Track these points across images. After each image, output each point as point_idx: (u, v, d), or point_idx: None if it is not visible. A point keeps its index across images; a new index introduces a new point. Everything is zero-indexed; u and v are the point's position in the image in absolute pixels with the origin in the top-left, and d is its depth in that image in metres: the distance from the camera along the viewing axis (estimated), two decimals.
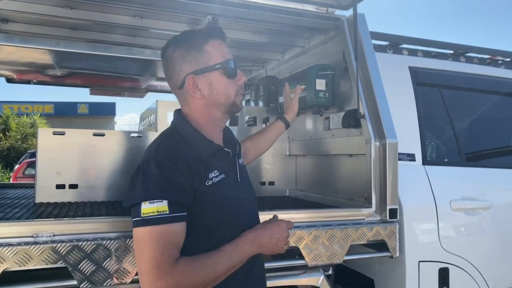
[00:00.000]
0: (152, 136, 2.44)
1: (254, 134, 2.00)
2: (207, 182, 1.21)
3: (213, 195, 1.22)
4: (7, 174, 13.22)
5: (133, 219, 1.14)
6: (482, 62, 2.89)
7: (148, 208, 1.11)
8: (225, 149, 1.33)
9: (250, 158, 1.88)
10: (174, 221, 1.12)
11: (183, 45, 1.28)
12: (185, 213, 1.16)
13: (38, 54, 2.13)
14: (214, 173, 1.24)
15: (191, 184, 1.17)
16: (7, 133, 15.97)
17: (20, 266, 1.38)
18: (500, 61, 3.00)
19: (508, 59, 3.03)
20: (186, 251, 1.15)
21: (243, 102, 2.22)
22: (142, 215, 1.11)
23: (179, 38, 1.32)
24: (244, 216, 1.32)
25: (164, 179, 1.14)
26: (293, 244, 1.76)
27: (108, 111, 20.04)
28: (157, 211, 1.11)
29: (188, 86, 1.27)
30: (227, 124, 1.48)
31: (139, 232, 1.12)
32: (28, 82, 3.04)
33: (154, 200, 1.11)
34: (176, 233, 1.13)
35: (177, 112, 1.34)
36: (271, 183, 2.79)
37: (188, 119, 1.31)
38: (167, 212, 1.11)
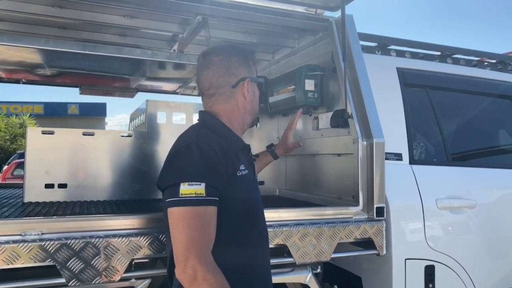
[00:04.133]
0: (142, 136, 2.45)
1: None
2: (239, 173, 1.31)
3: (243, 185, 1.32)
4: None
5: (170, 199, 1.20)
6: (468, 63, 2.94)
7: (186, 189, 1.18)
8: (250, 147, 1.44)
9: None
10: (209, 204, 1.20)
11: (237, 54, 1.43)
12: (218, 198, 1.23)
13: (27, 53, 2.11)
14: (242, 167, 1.33)
15: (226, 171, 1.26)
16: None
17: (8, 264, 1.38)
18: (486, 63, 3.06)
19: (494, 61, 3.09)
20: (223, 237, 1.23)
21: None
22: (181, 195, 1.18)
23: (228, 47, 1.48)
24: (260, 211, 1.42)
25: (204, 163, 1.22)
26: (281, 242, 1.78)
27: (99, 111, 19.90)
28: (195, 193, 1.18)
29: (243, 87, 1.41)
30: None
31: (177, 212, 1.18)
32: (17, 81, 3.01)
33: (193, 182, 1.19)
34: (211, 215, 1.20)
35: (206, 112, 1.43)
36: (261, 183, 2.80)
37: (219, 118, 1.40)
38: (204, 195, 1.18)
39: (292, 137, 2.16)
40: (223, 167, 1.25)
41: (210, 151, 1.24)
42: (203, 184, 1.19)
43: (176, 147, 1.30)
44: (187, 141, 1.28)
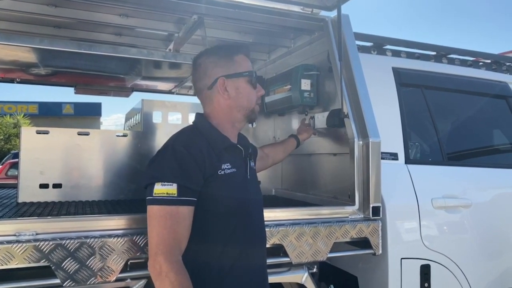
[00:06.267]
0: (138, 136, 2.44)
1: (274, 143, 2.33)
2: (220, 172, 1.34)
3: (225, 184, 1.34)
4: None
5: (147, 197, 1.28)
6: (463, 63, 2.95)
7: (159, 189, 1.25)
8: (239, 146, 1.45)
9: (269, 163, 2.13)
10: (181, 203, 1.25)
11: (216, 53, 1.46)
12: (194, 198, 1.29)
13: (22, 52, 2.09)
14: (227, 165, 1.36)
15: (204, 171, 1.30)
16: None
17: (2, 265, 1.37)
18: (481, 63, 3.08)
19: (489, 61, 3.11)
20: (195, 233, 1.28)
21: None
22: (154, 195, 1.26)
23: (212, 48, 1.51)
24: (252, 209, 1.43)
25: (177, 165, 1.27)
26: (278, 242, 1.78)
27: (94, 111, 19.81)
28: (167, 193, 1.25)
29: (219, 86, 1.42)
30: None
31: (151, 209, 1.26)
32: (11, 81, 2.99)
33: (165, 183, 1.25)
34: (182, 215, 1.26)
35: (198, 114, 1.49)
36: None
37: (208, 119, 1.45)
38: (175, 195, 1.25)
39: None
40: (199, 167, 1.29)
41: (184, 153, 1.28)
42: (174, 185, 1.25)
43: (159, 148, 1.37)
44: (167, 143, 1.36)
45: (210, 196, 1.31)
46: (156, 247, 1.21)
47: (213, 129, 1.42)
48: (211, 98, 1.44)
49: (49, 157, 2.22)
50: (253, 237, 1.42)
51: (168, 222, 1.23)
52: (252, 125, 3.17)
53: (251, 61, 1.51)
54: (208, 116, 1.46)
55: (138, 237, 1.54)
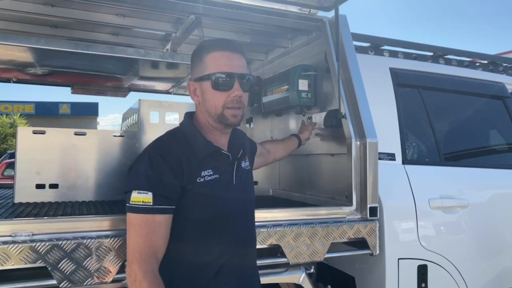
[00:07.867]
0: (135, 136, 2.43)
1: (275, 140, 2.32)
2: (199, 179, 1.31)
3: (203, 191, 1.31)
4: None
5: (126, 204, 1.28)
6: (460, 64, 2.96)
7: (136, 197, 1.25)
8: (223, 151, 1.39)
9: (270, 159, 2.10)
10: (156, 212, 1.25)
11: (195, 53, 1.41)
12: (171, 206, 1.28)
13: (18, 52, 2.09)
14: (208, 172, 1.33)
15: (180, 180, 1.28)
16: None
17: None
18: (477, 64, 3.09)
19: (485, 62, 3.12)
20: (175, 240, 1.29)
21: None
22: (131, 202, 1.25)
23: (196, 47, 1.44)
24: (237, 213, 1.41)
25: (153, 173, 1.26)
26: (275, 242, 1.78)
27: (91, 111, 19.77)
28: (142, 201, 1.24)
29: (189, 91, 1.41)
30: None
31: (129, 217, 1.27)
32: (7, 80, 2.98)
33: (141, 191, 1.25)
34: (158, 224, 1.25)
35: (187, 114, 1.46)
36: (255, 183, 2.78)
37: (194, 121, 1.42)
38: (151, 203, 1.24)
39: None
40: (176, 176, 1.27)
41: (159, 161, 1.27)
42: (150, 193, 1.24)
43: (139, 154, 1.37)
44: (145, 150, 1.35)
45: (189, 204, 1.30)
46: (132, 255, 1.22)
47: (198, 133, 1.38)
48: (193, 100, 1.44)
49: (46, 157, 2.20)
50: (239, 240, 1.40)
51: (144, 231, 1.23)
52: (250, 125, 3.17)
53: (248, 61, 1.47)
54: (195, 118, 1.43)
55: None
